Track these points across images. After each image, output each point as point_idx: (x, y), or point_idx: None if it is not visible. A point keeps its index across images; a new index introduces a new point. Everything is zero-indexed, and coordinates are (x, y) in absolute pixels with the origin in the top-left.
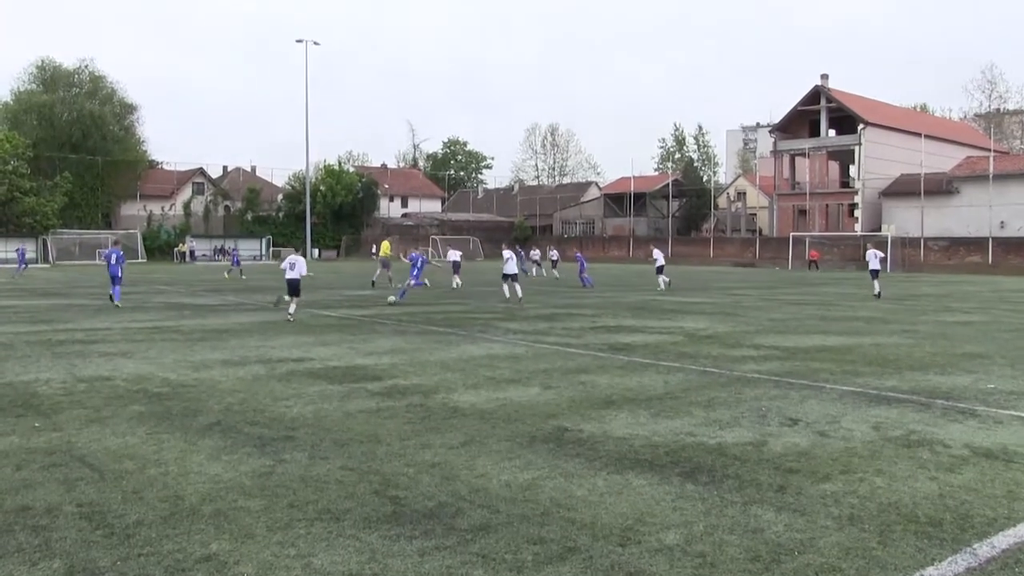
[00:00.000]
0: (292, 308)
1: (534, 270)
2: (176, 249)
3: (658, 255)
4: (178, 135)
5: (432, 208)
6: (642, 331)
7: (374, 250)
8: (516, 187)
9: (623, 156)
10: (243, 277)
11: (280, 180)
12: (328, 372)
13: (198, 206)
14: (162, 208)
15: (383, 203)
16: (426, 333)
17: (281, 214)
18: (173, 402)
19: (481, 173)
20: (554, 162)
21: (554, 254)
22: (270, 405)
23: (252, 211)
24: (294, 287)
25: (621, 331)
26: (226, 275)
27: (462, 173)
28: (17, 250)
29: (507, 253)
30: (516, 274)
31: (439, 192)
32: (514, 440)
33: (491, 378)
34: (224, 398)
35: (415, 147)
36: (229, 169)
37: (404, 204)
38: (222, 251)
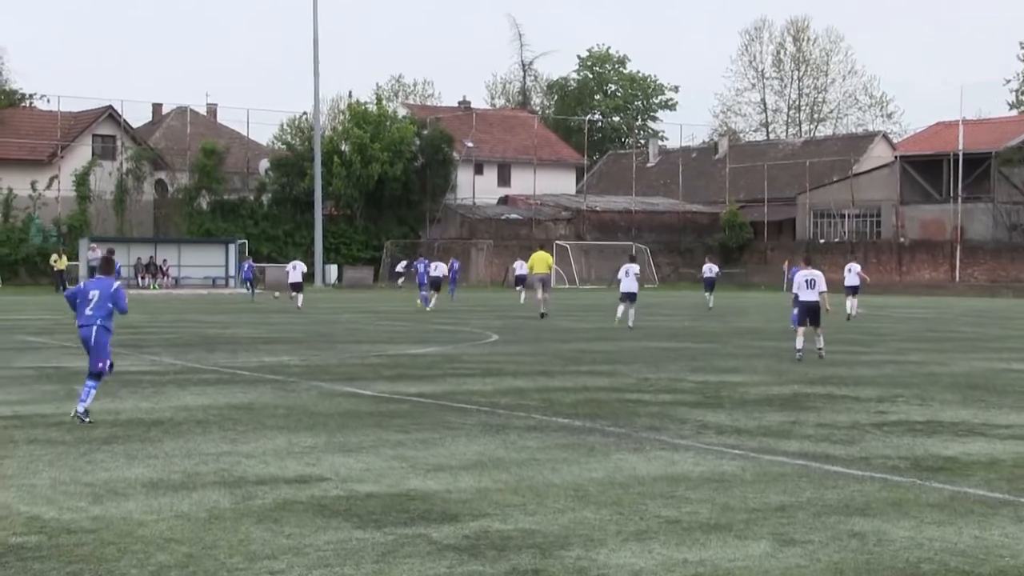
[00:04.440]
0: (299, 299)
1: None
2: (54, 264)
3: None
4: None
5: (558, 185)
6: (982, 433)
7: (519, 268)
8: (722, 145)
9: (938, 86)
10: (276, 296)
11: (264, 134)
12: (355, 504)
13: (104, 180)
14: (33, 185)
15: (461, 176)
16: (544, 429)
17: (265, 197)
18: (48, 566)
19: (654, 119)
20: (799, 95)
21: (853, 269)
22: (240, 572)
23: (209, 190)
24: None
25: (939, 432)
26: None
27: (616, 119)
28: None
29: (626, 267)
30: (636, 294)
31: (571, 155)
32: None
33: (673, 521)
34: (150, 558)
35: (524, 68)
36: (167, 111)
37: (503, 179)
38: (148, 268)
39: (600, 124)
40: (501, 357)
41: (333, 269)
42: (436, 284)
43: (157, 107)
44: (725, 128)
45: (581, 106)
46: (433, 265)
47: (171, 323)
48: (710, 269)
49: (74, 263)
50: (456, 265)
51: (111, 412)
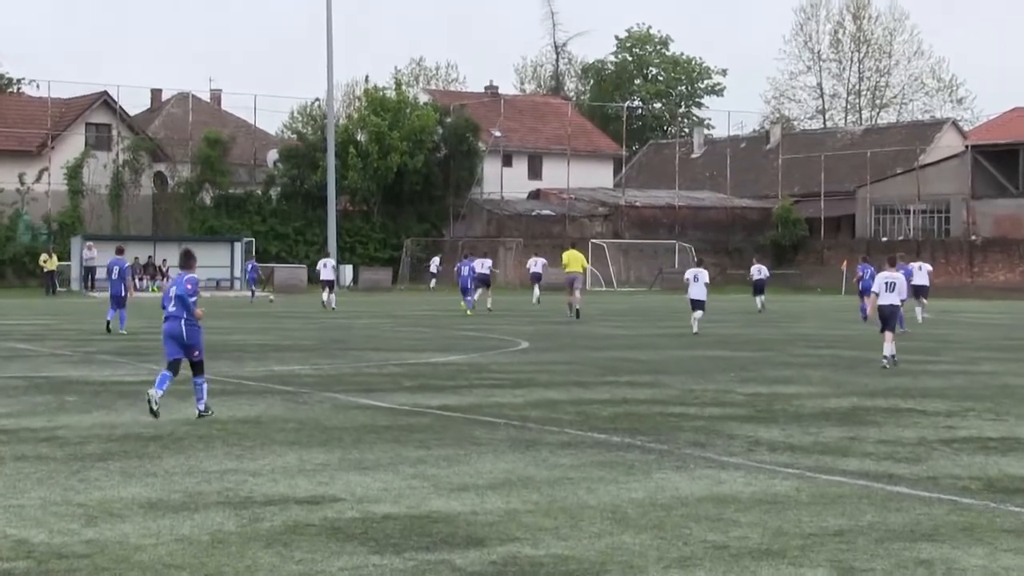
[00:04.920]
0: (332, 299)
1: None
2: (44, 265)
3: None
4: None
5: (594, 179)
6: None
7: (533, 265)
8: (774, 134)
9: (1014, 69)
10: (271, 299)
11: (272, 122)
12: (372, 527)
13: (98, 173)
14: (21, 179)
15: (487, 168)
16: (578, 445)
17: (274, 191)
18: None
19: (699, 105)
20: (859, 79)
21: (912, 268)
22: None
23: (213, 184)
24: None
25: (1015, 450)
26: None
27: (658, 106)
28: None
29: (693, 272)
30: (704, 301)
31: (608, 146)
32: None
33: (720, 546)
34: None
35: (556, 50)
36: (167, 97)
37: (534, 171)
38: (147, 269)
39: (640, 111)
40: (532, 366)
41: (348, 270)
42: (485, 281)
43: (156, 93)
44: (777, 115)
45: (619, 92)
46: (479, 262)
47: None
48: (759, 270)
49: (66, 263)
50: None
51: (106, 426)
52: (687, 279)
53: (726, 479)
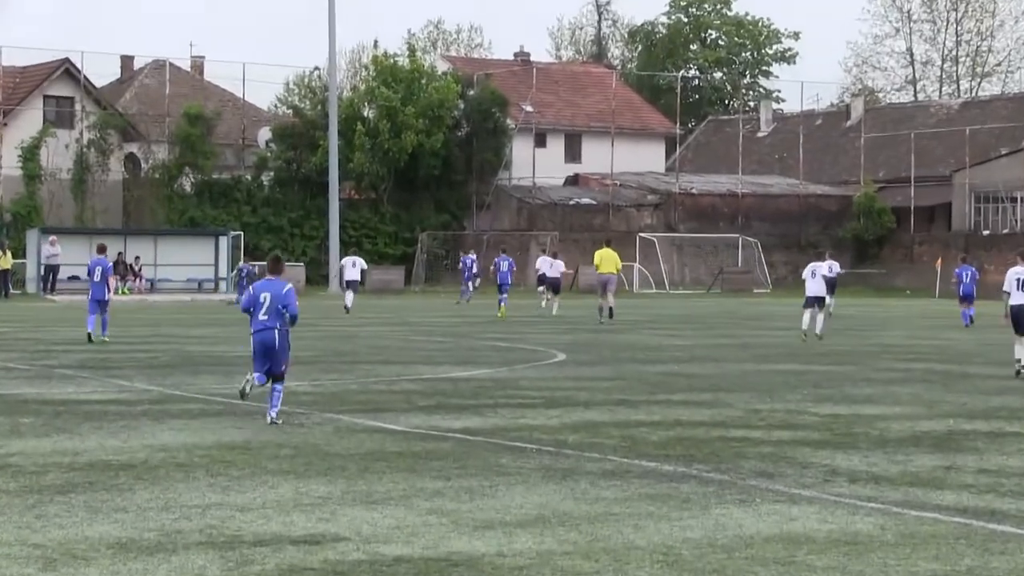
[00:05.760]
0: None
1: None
2: None
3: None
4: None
5: (643, 161)
6: None
7: (541, 266)
8: (855, 109)
9: None
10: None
11: (264, 96)
12: (381, 571)
13: (59, 155)
14: None
15: (517, 150)
16: (624, 475)
17: (266, 177)
18: None
19: (767, 75)
20: (957, 44)
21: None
22: None
23: (195, 168)
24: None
25: None
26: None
27: (718, 75)
28: None
29: (812, 267)
30: (823, 298)
31: (659, 123)
32: None
33: None
34: None
35: (598, 10)
36: (139, 66)
37: (572, 153)
38: (116, 268)
39: (697, 83)
40: (569, 382)
41: (356, 264)
42: (555, 286)
43: (127, 61)
44: (860, 87)
45: (672, 59)
46: (547, 262)
47: (145, 338)
48: (829, 267)
49: (21, 261)
50: (508, 266)
51: (68, 452)
52: (806, 275)
53: (798, 515)
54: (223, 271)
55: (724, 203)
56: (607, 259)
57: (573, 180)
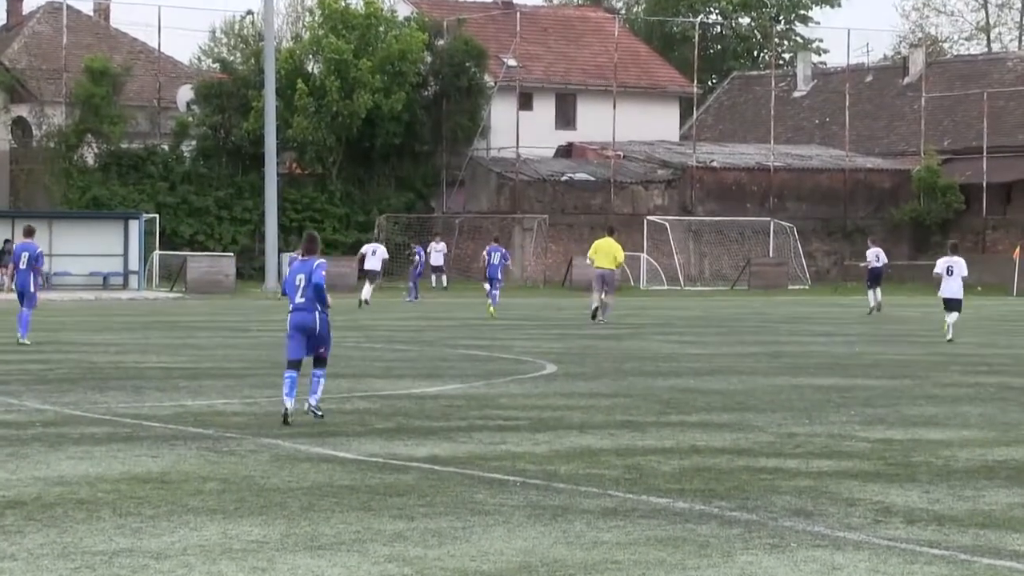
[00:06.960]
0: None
1: None
2: None
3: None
4: None
5: (652, 128)
6: None
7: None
8: (915, 62)
9: None
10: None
11: (185, 47)
12: None
13: None
14: None
15: (497, 113)
16: (628, 514)
17: (187, 147)
18: None
19: (805, 20)
20: None
21: None
22: None
23: (99, 135)
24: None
25: None
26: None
27: (745, 21)
28: None
29: (946, 263)
30: (961, 301)
31: (672, 79)
32: None
33: None
34: None
35: None
36: (30, 9)
37: (565, 117)
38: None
39: (719, 30)
40: (561, 400)
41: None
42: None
43: (15, 3)
44: (920, 35)
45: (689, 1)
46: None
47: (39, 346)
48: (876, 256)
49: None
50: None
51: None
52: (938, 273)
53: (843, 564)
54: (133, 263)
55: (752, 179)
56: (603, 252)
57: (566, 151)
